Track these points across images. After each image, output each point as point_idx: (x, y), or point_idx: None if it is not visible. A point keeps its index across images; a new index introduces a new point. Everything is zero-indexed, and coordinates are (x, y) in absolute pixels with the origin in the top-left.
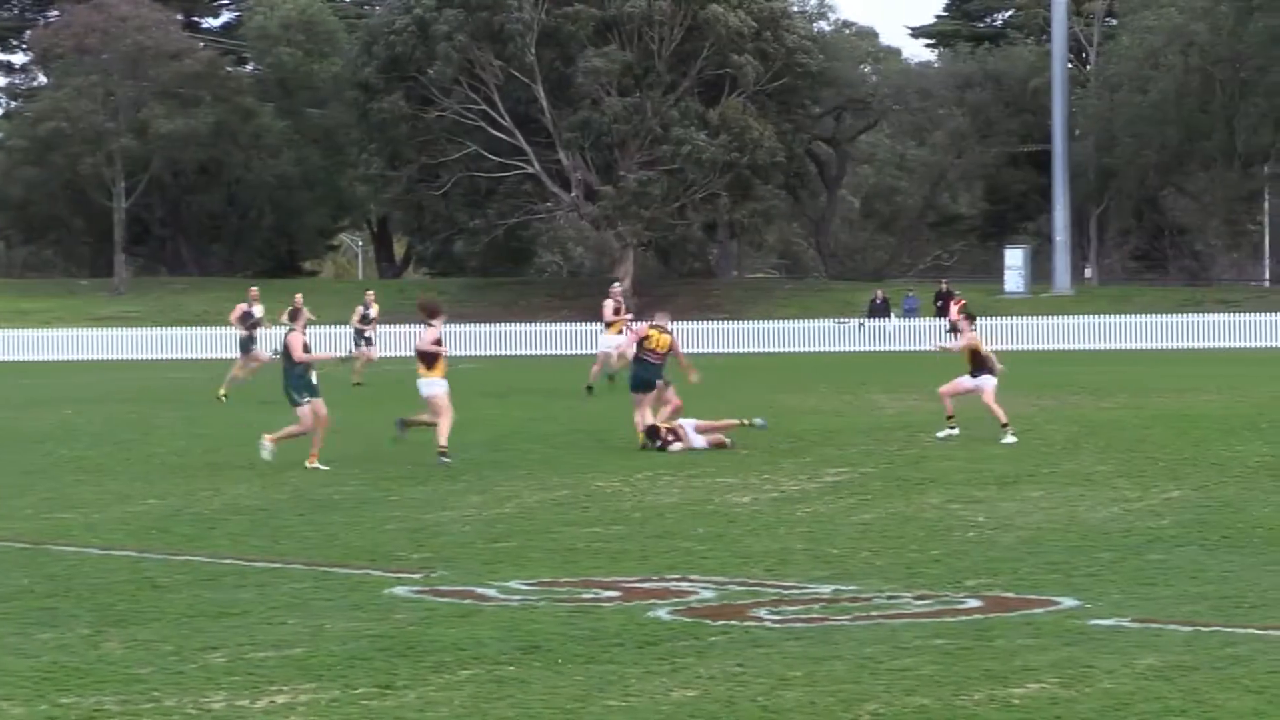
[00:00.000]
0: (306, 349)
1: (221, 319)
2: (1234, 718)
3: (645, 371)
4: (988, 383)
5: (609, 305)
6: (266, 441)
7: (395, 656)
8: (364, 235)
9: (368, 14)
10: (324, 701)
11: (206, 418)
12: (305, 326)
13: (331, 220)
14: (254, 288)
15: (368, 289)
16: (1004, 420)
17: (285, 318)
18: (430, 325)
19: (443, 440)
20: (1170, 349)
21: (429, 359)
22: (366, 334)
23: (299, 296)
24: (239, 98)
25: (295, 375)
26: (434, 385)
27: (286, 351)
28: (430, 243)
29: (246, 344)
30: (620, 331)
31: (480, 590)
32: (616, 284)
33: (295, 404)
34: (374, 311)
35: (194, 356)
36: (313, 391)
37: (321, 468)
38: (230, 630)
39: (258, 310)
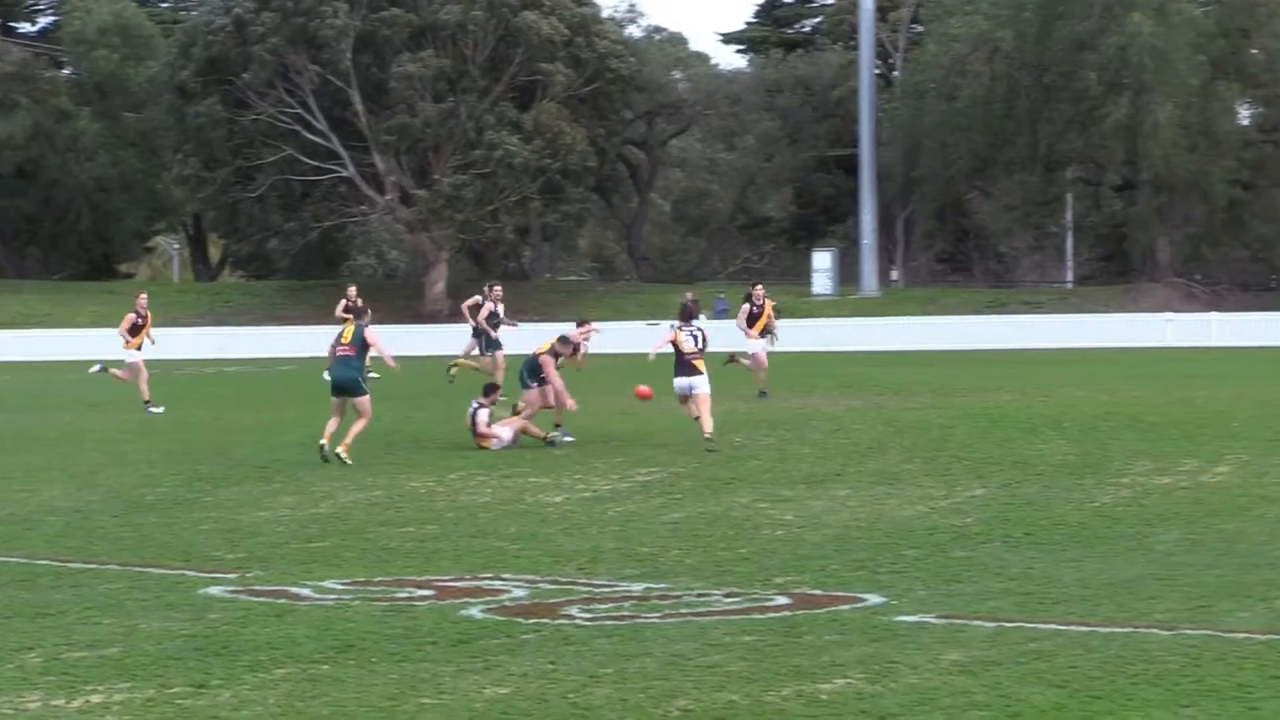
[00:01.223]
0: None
1: (38, 321)
2: (1037, 712)
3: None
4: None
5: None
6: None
7: (210, 656)
8: (180, 238)
9: (184, 18)
10: (139, 701)
11: (19, 420)
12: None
13: (147, 223)
14: (143, 295)
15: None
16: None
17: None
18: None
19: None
20: (975, 350)
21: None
22: None
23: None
24: (55, 101)
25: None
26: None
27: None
28: (245, 245)
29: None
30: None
31: (295, 590)
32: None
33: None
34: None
35: (7, 360)
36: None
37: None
38: (46, 631)
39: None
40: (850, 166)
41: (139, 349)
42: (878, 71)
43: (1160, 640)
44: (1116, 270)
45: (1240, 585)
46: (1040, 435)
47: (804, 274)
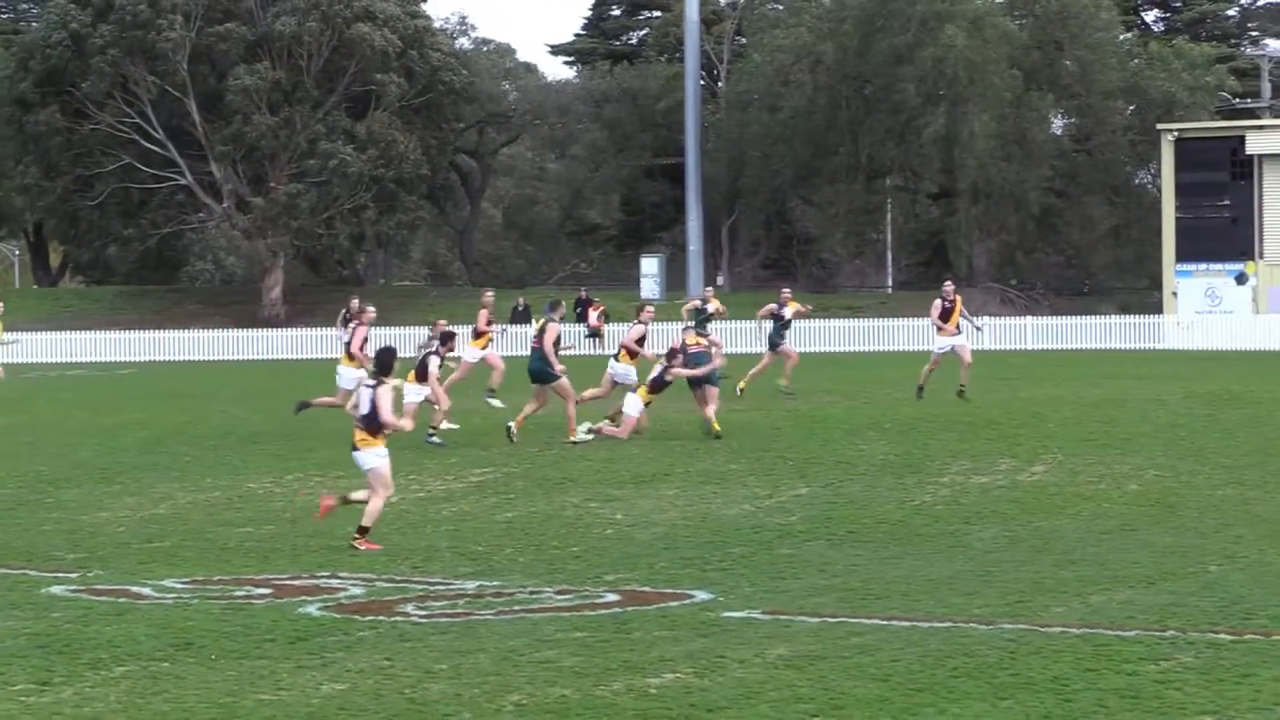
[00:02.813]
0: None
1: None
2: (860, 704)
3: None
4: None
5: (483, 315)
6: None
7: (53, 654)
8: (20, 244)
9: (24, 29)
10: None
11: None
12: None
13: None
14: None
15: None
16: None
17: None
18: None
19: None
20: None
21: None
22: None
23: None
24: None
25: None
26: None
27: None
28: (85, 251)
29: None
30: (488, 344)
31: (136, 589)
32: (489, 293)
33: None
34: None
35: None
36: None
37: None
38: None
39: None
40: (677, 175)
41: None
42: (703, 83)
43: (979, 634)
44: (935, 276)
45: (1056, 581)
46: (862, 436)
47: (632, 280)
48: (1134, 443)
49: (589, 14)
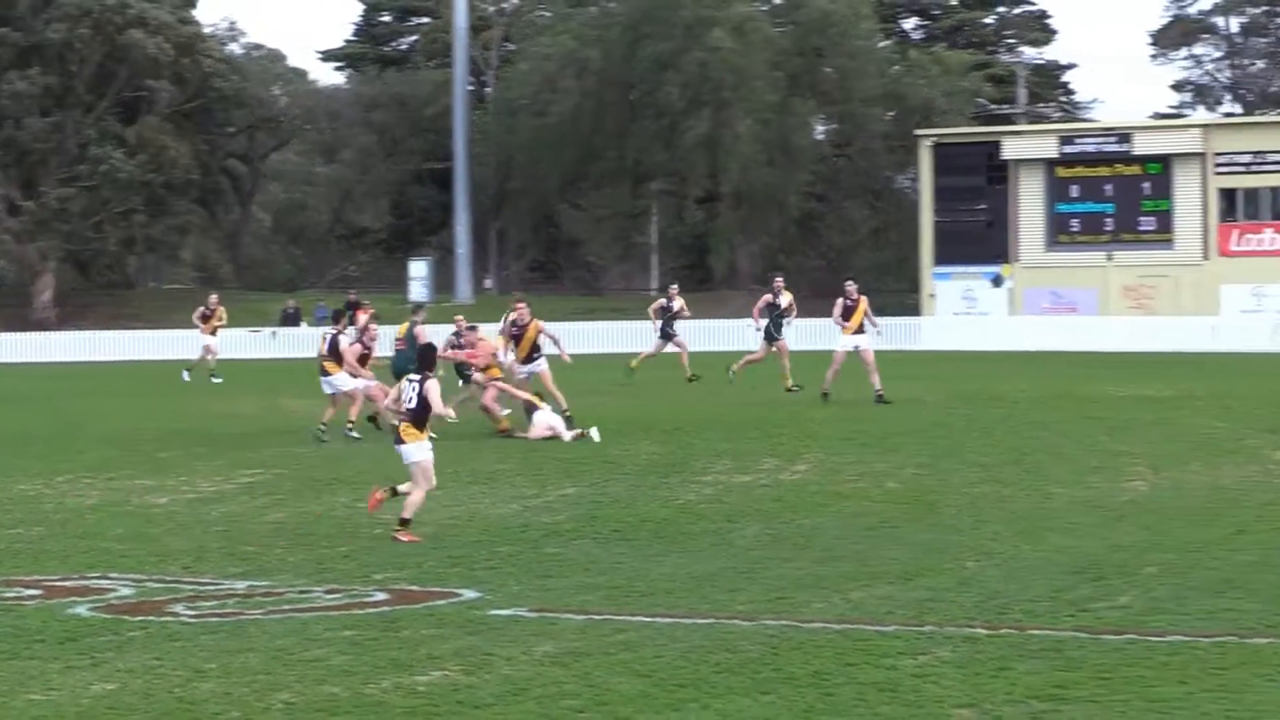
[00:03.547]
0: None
1: None
2: (624, 700)
3: None
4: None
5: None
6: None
7: None
8: None
9: None
10: None
11: None
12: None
13: None
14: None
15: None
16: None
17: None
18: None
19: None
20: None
21: None
22: None
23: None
24: None
25: None
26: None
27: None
28: None
29: None
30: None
31: None
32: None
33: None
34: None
35: None
36: None
37: None
38: None
39: None
40: (445, 180)
41: None
42: (471, 88)
43: (741, 630)
44: (699, 278)
45: (817, 577)
46: (628, 436)
47: (401, 282)
48: (893, 441)
49: (359, 20)
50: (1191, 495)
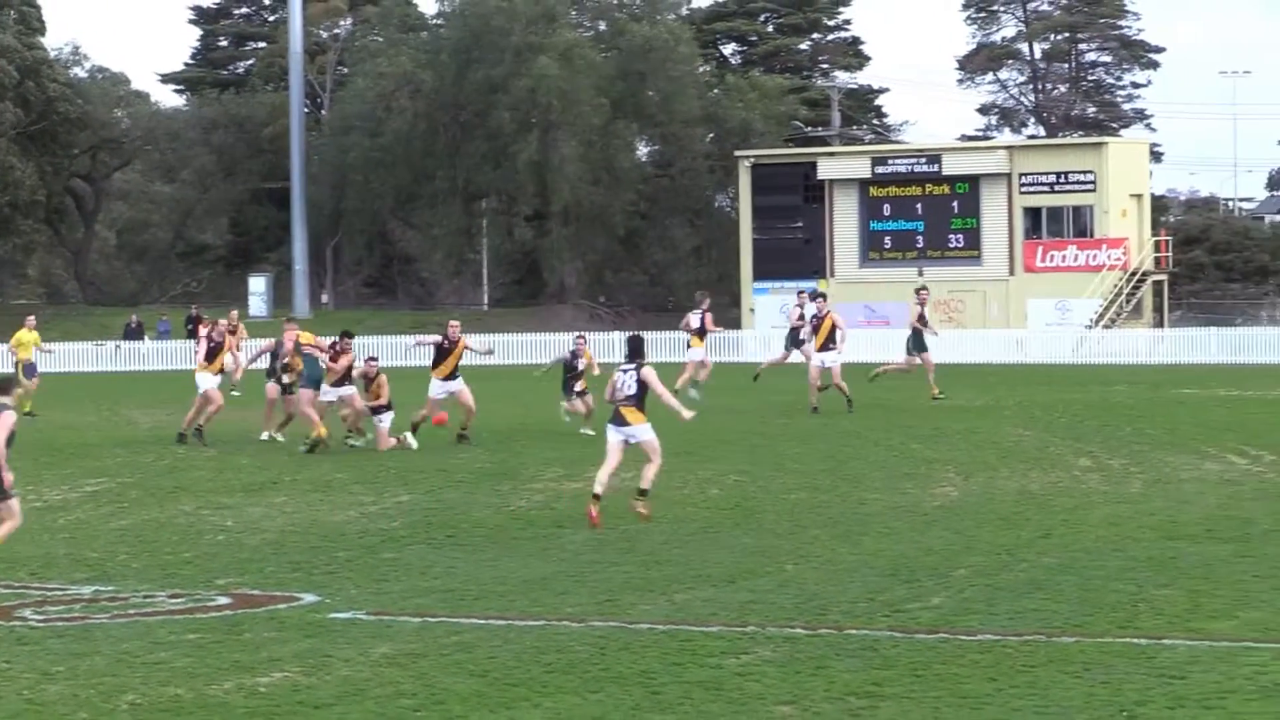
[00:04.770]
0: None
1: None
2: (459, 699)
3: None
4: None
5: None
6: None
7: None
8: None
9: None
10: None
11: None
12: None
13: None
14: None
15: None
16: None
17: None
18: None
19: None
20: (398, 367)
21: None
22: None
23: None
24: None
25: None
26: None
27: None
28: None
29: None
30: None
31: None
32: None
33: None
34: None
35: None
36: None
37: None
38: None
39: None
40: (284, 198)
41: None
42: (307, 110)
43: (571, 632)
44: (528, 293)
45: (644, 581)
46: (462, 445)
47: (241, 297)
48: (715, 450)
49: (197, 44)
50: (1000, 501)
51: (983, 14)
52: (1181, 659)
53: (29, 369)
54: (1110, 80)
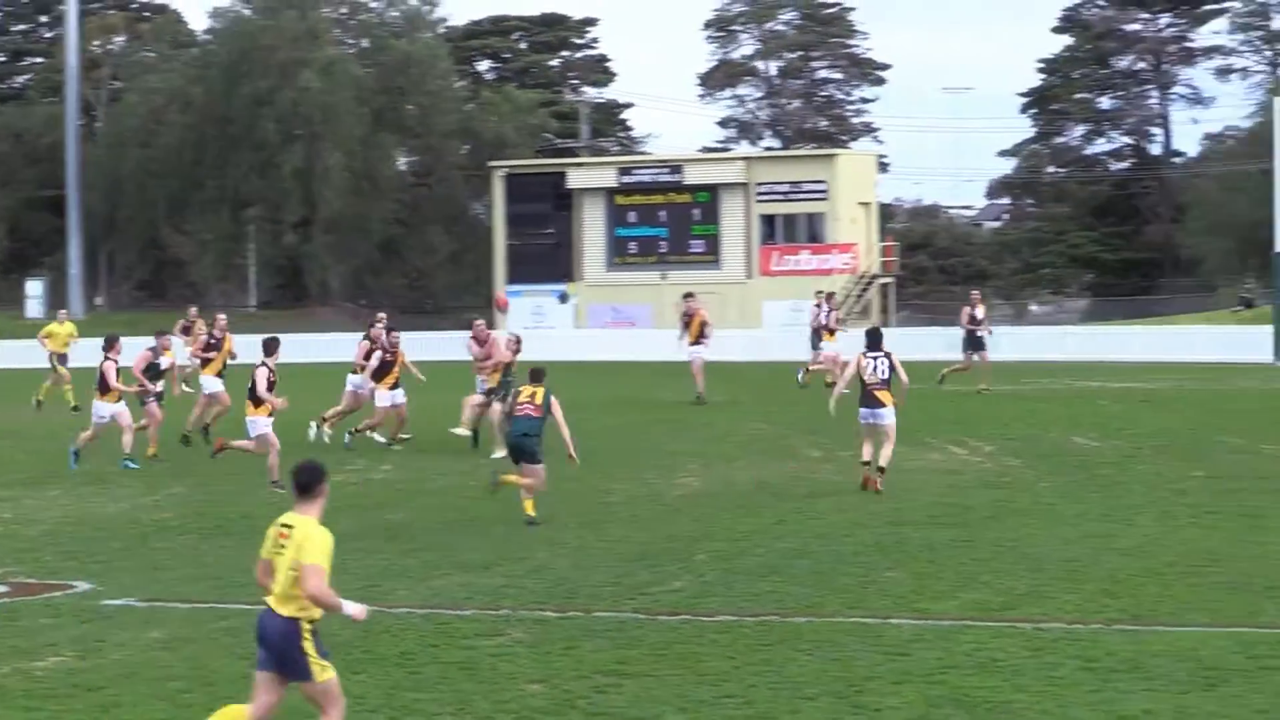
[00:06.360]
0: None
1: None
2: (226, 681)
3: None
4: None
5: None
6: None
7: None
8: None
9: None
10: None
11: None
12: None
13: None
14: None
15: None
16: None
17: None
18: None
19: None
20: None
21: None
22: None
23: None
24: None
25: None
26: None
27: None
28: None
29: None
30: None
31: None
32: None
33: None
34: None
35: None
36: None
37: None
38: None
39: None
40: (60, 206)
41: None
42: (82, 123)
43: (333, 616)
44: (294, 296)
45: (403, 568)
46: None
47: (18, 301)
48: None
49: None
50: (738, 490)
51: (722, 33)
52: (907, 637)
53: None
54: (841, 96)
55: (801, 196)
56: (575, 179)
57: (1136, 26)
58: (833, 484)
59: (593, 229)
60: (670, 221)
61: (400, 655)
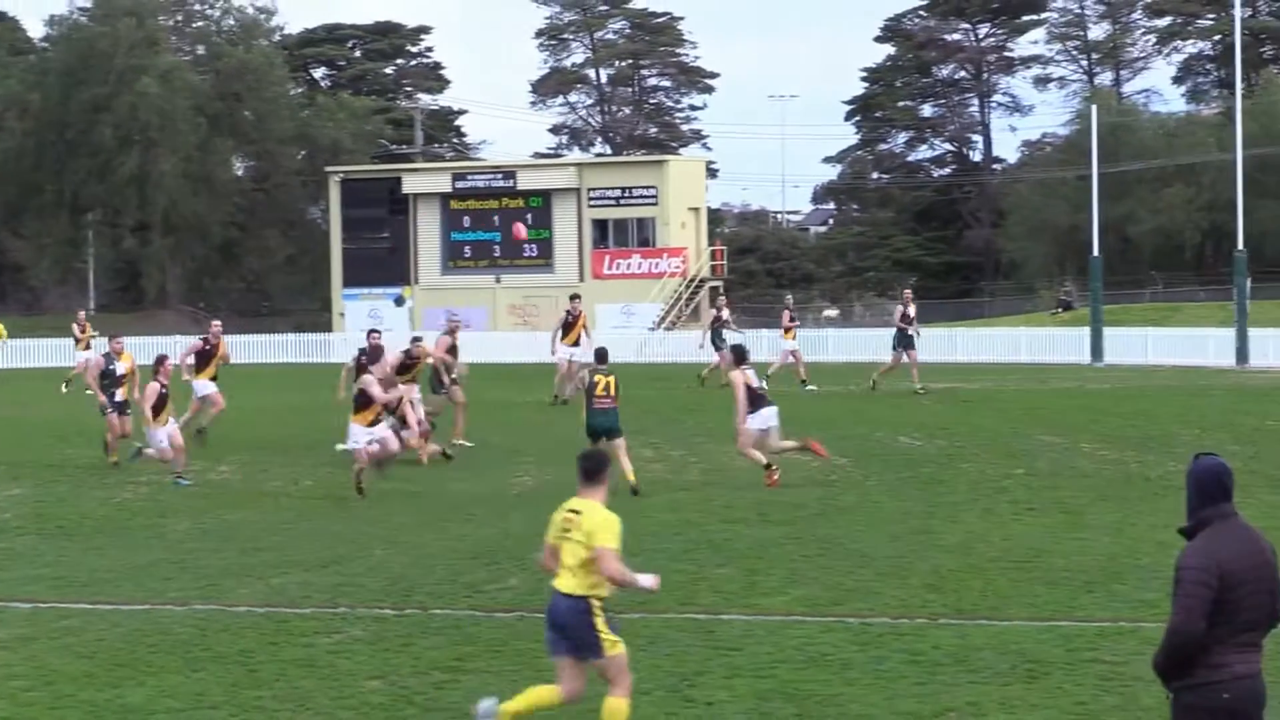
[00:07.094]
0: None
1: None
2: (68, 679)
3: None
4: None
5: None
6: None
7: None
8: None
9: None
10: None
11: None
12: None
13: None
14: None
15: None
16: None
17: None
18: None
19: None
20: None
21: None
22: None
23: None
24: None
25: None
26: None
27: None
28: None
29: None
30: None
31: None
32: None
33: None
34: None
35: None
36: None
37: None
38: None
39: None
40: None
41: None
42: None
43: (174, 615)
44: (133, 299)
45: (243, 566)
46: (69, 442)
47: None
48: (305, 442)
49: None
50: (572, 488)
51: (554, 41)
52: (738, 632)
53: None
54: (670, 103)
55: (632, 202)
56: (410, 184)
57: (957, 36)
58: (664, 482)
59: (428, 234)
60: (504, 226)
61: (240, 653)
